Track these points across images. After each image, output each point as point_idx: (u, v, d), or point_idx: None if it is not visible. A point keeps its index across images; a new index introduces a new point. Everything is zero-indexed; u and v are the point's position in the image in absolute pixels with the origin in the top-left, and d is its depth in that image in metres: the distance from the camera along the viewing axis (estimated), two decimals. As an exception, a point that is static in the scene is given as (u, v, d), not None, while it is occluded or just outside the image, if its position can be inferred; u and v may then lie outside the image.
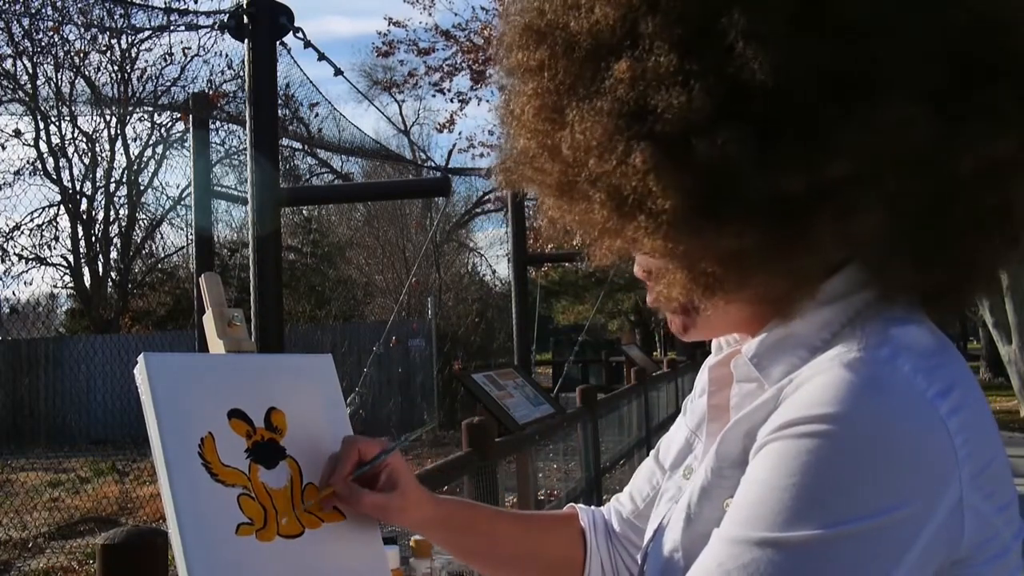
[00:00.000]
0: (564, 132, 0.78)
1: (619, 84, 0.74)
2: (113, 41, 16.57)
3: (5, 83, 17.44)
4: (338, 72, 4.31)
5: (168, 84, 18.08)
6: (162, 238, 21.01)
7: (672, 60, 0.71)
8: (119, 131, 19.89)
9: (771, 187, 0.70)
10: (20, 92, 17.65)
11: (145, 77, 18.28)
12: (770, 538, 0.69)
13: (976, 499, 0.70)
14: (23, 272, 19.25)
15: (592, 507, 1.17)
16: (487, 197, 23.45)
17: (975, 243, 0.77)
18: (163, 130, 19.61)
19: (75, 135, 19.72)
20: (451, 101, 17.77)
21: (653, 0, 0.73)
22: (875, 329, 0.75)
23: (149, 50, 18.56)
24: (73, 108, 18.04)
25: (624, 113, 0.74)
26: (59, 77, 17.89)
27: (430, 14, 31.66)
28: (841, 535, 0.67)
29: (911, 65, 0.70)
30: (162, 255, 21.20)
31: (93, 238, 20.33)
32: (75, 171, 20.08)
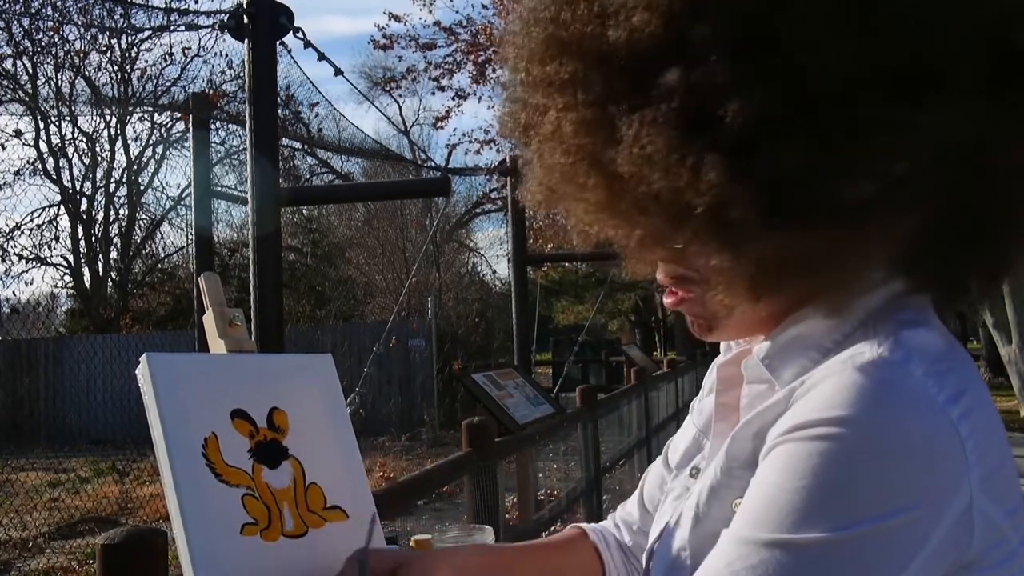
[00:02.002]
0: (613, 147, 0.75)
1: (673, 93, 0.72)
2: (113, 41, 16.59)
3: (5, 83, 17.46)
4: (338, 72, 4.31)
5: (168, 84, 18.12)
6: (162, 238, 21.05)
7: (730, 67, 0.70)
8: (119, 131, 19.92)
9: (839, 192, 0.70)
10: (20, 92, 17.67)
11: (145, 77, 18.32)
12: (780, 539, 0.69)
13: (985, 503, 0.70)
14: (23, 272, 19.28)
15: (596, 525, 1.15)
16: (487, 197, 23.45)
17: (1006, 238, 0.78)
18: (163, 130, 19.64)
19: (75, 135, 19.76)
20: (452, 99, 17.75)
21: (698, 7, 0.71)
22: (887, 332, 0.75)
23: (149, 50, 18.62)
24: (73, 108, 18.07)
25: (683, 125, 0.72)
26: (59, 77, 17.93)
27: (430, 11, 31.60)
28: (850, 537, 0.67)
29: (959, 60, 0.70)
30: (162, 255, 21.22)
31: (93, 238, 20.34)
32: (75, 171, 20.13)
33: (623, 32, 0.74)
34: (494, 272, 26.04)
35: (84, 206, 20.21)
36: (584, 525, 1.14)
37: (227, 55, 16.38)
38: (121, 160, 20.35)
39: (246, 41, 3.34)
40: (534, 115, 0.82)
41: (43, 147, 19.42)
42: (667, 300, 0.88)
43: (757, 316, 0.84)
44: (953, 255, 0.77)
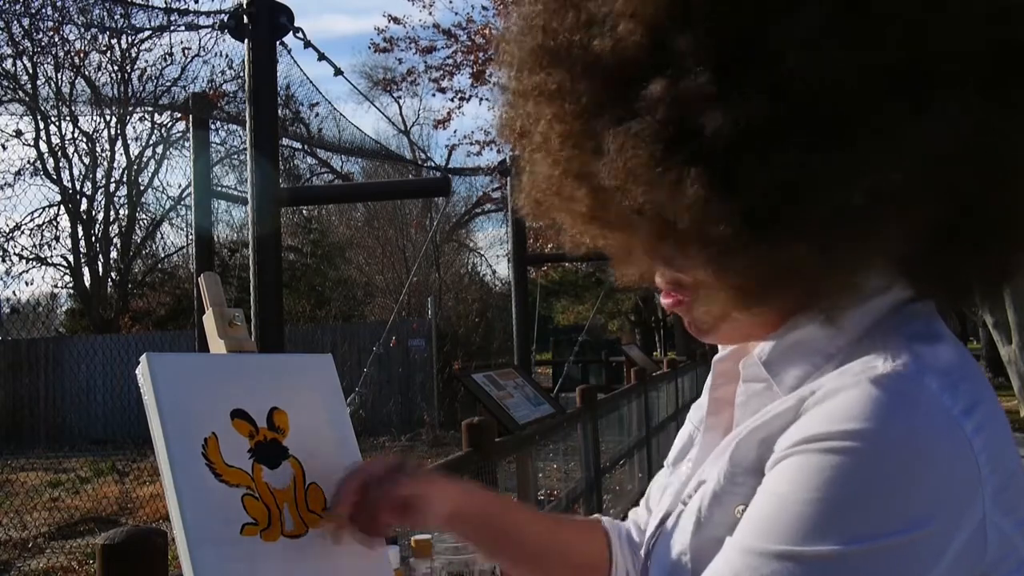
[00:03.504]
0: (600, 159, 0.74)
1: (658, 105, 0.70)
2: (113, 41, 16.58)
3: (5, 83, 17.46)
4: (338, 72, 4.31)
5: (168, 84, 18.11)
6: (162, 238, 21.05)
7: (714, 78, 0.68)
8: (119, 131, 19.92)
9: (831, 201, 0.69)
10: (20, 92, 17.67)
11: (145, 77, 18.31)
12: (789, 551, 0.68)
13: (998, 516, 0.69)
14: (23, 272, 19.29)
15: (615, 520, 1.15)
16: (487, 197, 23.45)
17: (1010, 240, 0.76)
18: (163, 130, 19.64)
19: (75, 135, 19.76)
20: (451, 100, 17.81)
21: (683, 15, 0.70)
22: (899, 344, 0.74)
23: (149, 50, 18.59)
24: (73, 108, 18.04)
25: (667, 137, 0.70)
26: (59, 77, 17.91)
27: (430, 13, 31.61)
28: (862, 552, 0.66)
29: (958, 55, 0.68)
30: (162, 255, 21.21)
31: (93, 238, 20.33)
32: (75, 171, 20.14)
33: (608, 42, 0.72)
34: (494, 272, 26.04)
35: (84, 206, 20.23)
36: (604, 518, 1.15)
37: (227, 55, 16.36)
38: (121, 160, 20.39)
39: (246, 41, 3.34)
40: (528, 122, 0.81)
41: (43, 147, 19.45)
42: (664, 301, 0.88)
43: (752, 321, 0.83)
44: (956, 259, 0.75)
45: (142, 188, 20.51)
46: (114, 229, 20.75)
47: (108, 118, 19.31)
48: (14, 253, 18.89)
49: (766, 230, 0.70)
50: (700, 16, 0.69)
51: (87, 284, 20.27)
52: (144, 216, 20.86)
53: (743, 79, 0.68)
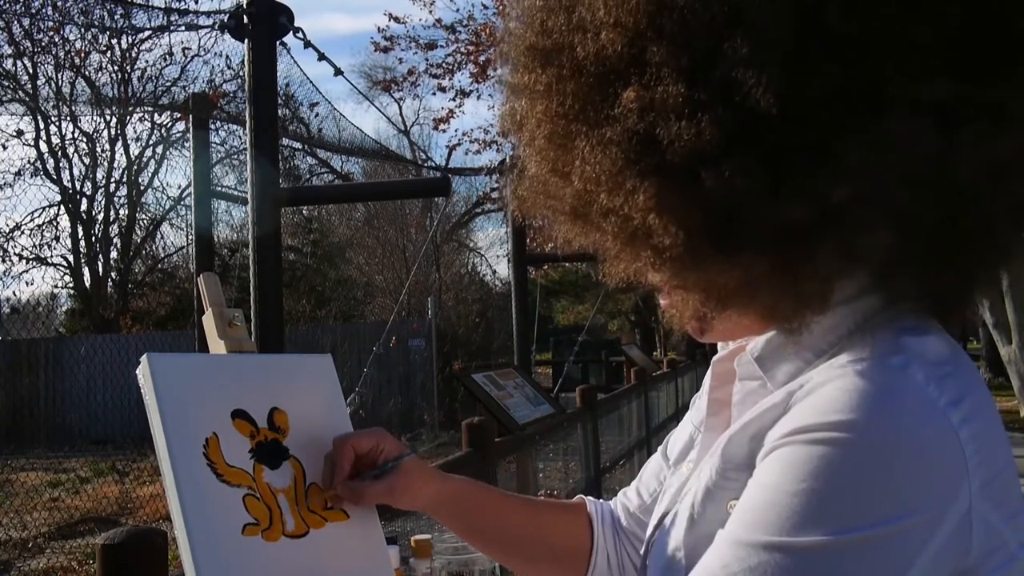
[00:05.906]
0: (575, 162, 0.77)
1: (628, 113, 0.72)
2: (113, 41, 16.57)
3: (5, 83, 17.47)
4: (338, 72, 4.32)
5: (168, 84, 18.09)
6: (162, 238, 21.04)
7: (680, 90, 0.70)
8: (119, 131, 19.90)
9: (781, 217, 0.70)
10: (20, 92, 17.67)
11: (145, 77, 18.28)
12: (777, 542, 0.69)
13: (985, 508, 0.70)
14: (23, 272, 19.28)
15: (601, 500, 1.17)
16: (487, 197, 23.45)
17: (988, 246, 0.76)
18: (163, 130, 19.62)
19: (75, 135, 19.75)
20: (452, 99, 17.81)
21: (659, 27, 0.71)
22: (887, 337, 0.75)
23: (149, 50, 18.55)
24: (73, 108, 18.03)
25: (633, 144, 0.72)
26: (59, 77, 17.91)
27: (431, 12, 31.64)
28: (850, 542, 0.67)
29: (913, 76, 0.69)
30: (162, 255, 21.20)
31: (93, 238, 20.32)
32: (75, 171, 20.11)
33: (592, 47, 0.74)
34: (494, 272, 26.03)
35: (84, 206, 20.21)
36: (589, 499, 1.17)
37: (227, 55, 16.36)
38: (121, 160, 20.36)
39: (246, 41, 3.34)
40: (520, 118, 0.84)
41: (43, 147, 19.44)
42: (662, 301, 0.89)
43: (746, 325, 0.84)
44: (933, 266, 0.75)
45: (142, 188, 20.50)
46: (114, 229, 20.74)
47: (108, 118, 19.31)
48: (14, 253, 18.90)
49: (718, 244, 0.72)
50: (673, 29, 0.71)
51: (87, 284, 20.26)
52: (144, 216, 20.86)
53: (707, 94, 0.70)
